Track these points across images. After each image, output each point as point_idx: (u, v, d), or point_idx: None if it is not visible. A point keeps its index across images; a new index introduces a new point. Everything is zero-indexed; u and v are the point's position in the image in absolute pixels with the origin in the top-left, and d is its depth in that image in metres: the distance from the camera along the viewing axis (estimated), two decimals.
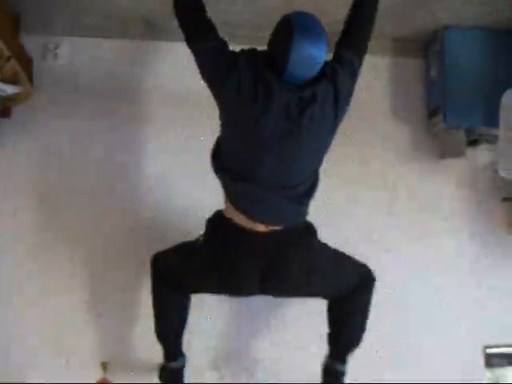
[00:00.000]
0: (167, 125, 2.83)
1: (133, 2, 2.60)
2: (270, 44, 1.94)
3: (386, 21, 2.76)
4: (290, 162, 2.00)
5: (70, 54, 2.82)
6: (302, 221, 2.13)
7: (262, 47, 1.95)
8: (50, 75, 2.78)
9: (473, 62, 2.74)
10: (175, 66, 2.80)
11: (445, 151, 2.83)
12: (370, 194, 2.89)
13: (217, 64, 1.94)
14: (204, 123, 2.53)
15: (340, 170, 2.81)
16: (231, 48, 1.99)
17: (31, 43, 2.72)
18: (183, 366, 2.41)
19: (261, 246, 2.03)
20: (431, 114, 2.88)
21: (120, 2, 2.61)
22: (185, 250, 2.21)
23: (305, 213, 2.13)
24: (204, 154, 2.15)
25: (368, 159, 2.92)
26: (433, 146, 2.94)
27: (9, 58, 2.33)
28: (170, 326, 2.34)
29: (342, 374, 2.33)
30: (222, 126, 2.06)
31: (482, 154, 2.88)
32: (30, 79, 2.65)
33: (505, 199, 2.92)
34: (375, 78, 2.95)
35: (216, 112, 2.03)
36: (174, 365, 2.38)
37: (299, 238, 2.08)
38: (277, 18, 1.93)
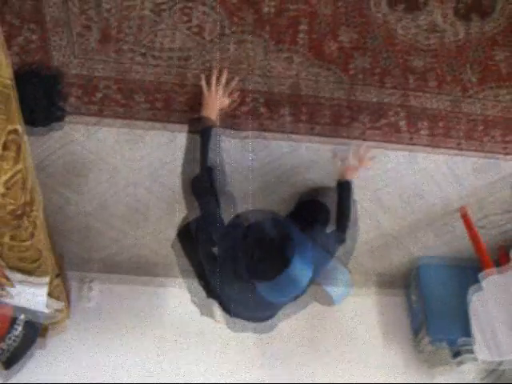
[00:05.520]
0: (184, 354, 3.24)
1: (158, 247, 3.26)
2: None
3: (368, 258, 3.37)
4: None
5: (101, 288, 3.35)
6: None
7: None
8: (83, 304, 3.26)
9: (445, 284, 3.24)
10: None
11: (432, 363, 3.13)
12: None
13: None
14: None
15: None
16: None
17: (71, 278, 3.26)
18: None
19: None
20: (416, 332, 3.28)
21: (146, 250, 3.28)
22: None
23: None
24: None
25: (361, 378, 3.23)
26: (421, 360, 3.29)
27: (58, 275, 2.80)
28: None
29: None
30: None
31: (465, 362, 3.16)
32: (68, 305, 3.09)
33: None
34: (362, 309, 3.45)
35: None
36: None
37: None
38: None
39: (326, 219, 2.66)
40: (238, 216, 2.29)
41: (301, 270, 1.80)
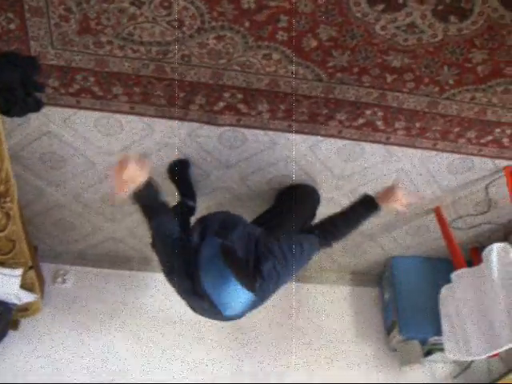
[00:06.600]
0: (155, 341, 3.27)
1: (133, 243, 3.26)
2: None
3: (342, 256, 3.40)
4: None
5: (75, 280, 3.35)
6: None
7: None
8: (57, 296, 3.25)
9: (418, 284, 3.28)
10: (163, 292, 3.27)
11: (404, 360, 3.16)
12: None
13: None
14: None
15: None
16: None
17: (45, 269, 3.24)
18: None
19: None
20: (389, 330, 3.30)
21: (121, 244, 3.30)
22: None
23: None
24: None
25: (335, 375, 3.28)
26: (393, 358, 3.32)
27: (30, 268, 2.78)
28: None
29: None
30: None
31: (436, 361, 3.21)
32: (41, 297, 3.06)
33: None
34: (337, 306, 3.50)
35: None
36: None
37: None
38: None
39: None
40: (200, 220, 2.27)
41: (213, 277, 1.79)
